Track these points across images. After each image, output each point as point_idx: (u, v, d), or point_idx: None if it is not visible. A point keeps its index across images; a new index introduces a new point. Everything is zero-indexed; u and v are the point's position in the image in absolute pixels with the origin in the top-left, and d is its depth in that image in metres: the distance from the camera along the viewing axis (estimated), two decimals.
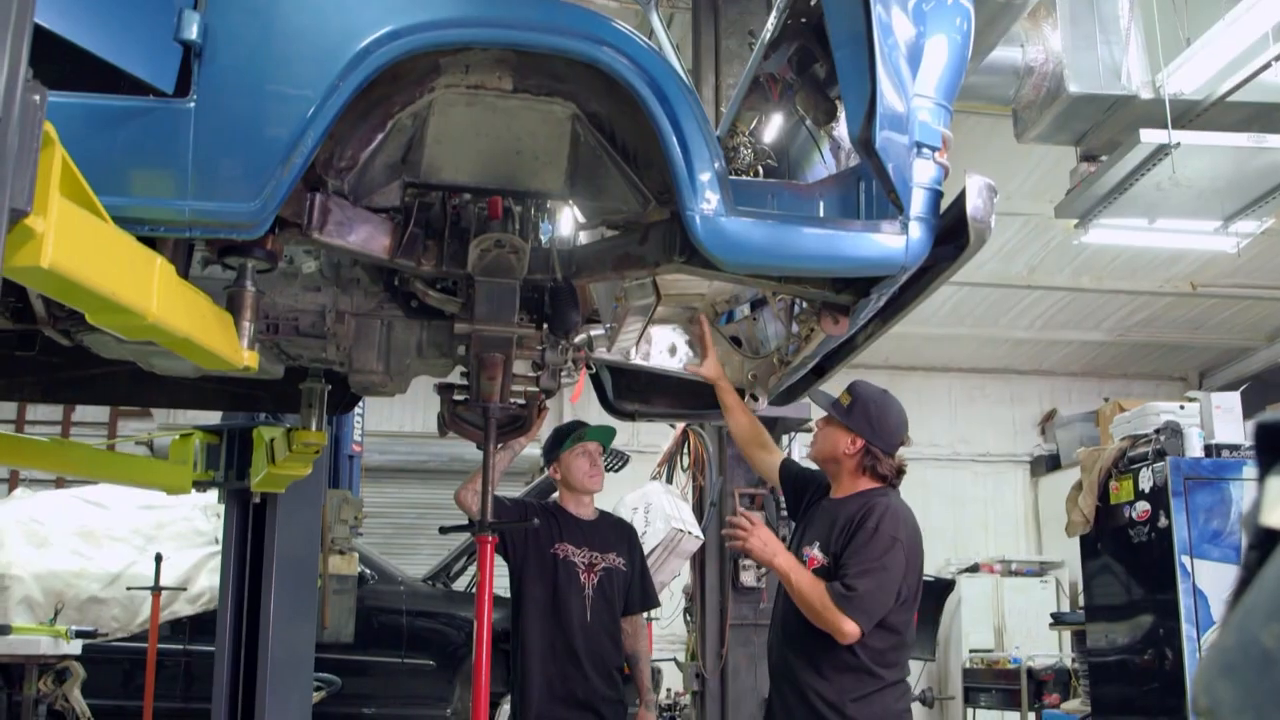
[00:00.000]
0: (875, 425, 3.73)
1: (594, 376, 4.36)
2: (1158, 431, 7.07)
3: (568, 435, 4.67)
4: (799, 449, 7.71)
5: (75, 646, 6.67)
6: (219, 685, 5.29)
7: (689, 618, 7.83)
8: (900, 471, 3.82)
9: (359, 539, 7.37)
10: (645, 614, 4.91)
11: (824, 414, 3.87)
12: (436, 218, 3.02)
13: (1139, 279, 12.45)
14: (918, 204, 2.80)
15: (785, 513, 7.09)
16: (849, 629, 3.48)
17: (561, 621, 4.44)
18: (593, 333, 3.91)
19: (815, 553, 3.69)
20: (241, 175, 2.32)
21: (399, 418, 12.97)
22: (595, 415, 4.83)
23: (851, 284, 3.04)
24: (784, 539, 6.83)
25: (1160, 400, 8.16)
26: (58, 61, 2.13)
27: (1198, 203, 7.70)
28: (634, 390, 4.41)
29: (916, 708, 10.51)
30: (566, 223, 3.42)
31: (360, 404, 6.80)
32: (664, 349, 4.12)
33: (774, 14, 3.27)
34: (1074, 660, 9.60)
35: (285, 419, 4.85)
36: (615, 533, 4.77)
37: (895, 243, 2.78)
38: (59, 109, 1.78)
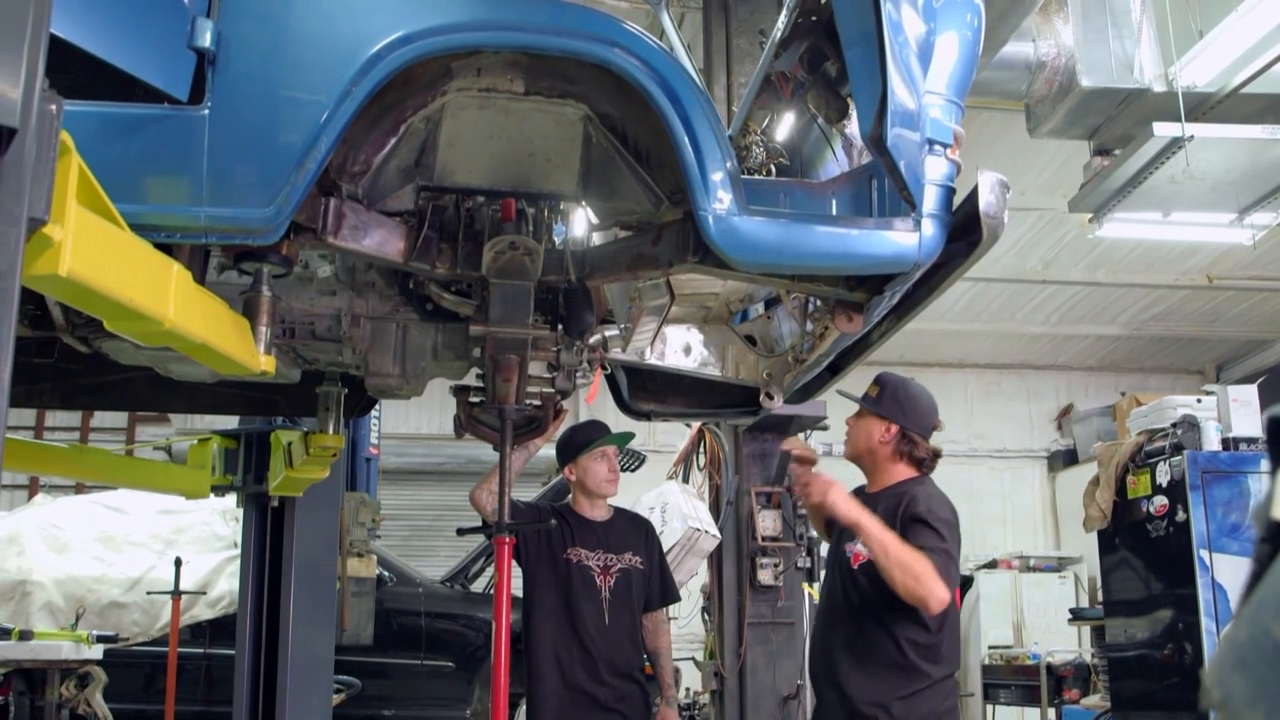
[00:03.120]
0: (906, 408, 3.81)
1: (609, 377, 4.36)
2: (1175, 425, 7.05)
3: (586, 438, 4.67)
4: (817, 444, 7.72)
5: (97, 651, 6.70)
6: (240, 688, 5.31)
7: (707, 617, 7.84)
8: (936, 455, 3.88)
9: (377, 541, 7.41)
10: (666, 610, 4.88)
11: (853, 412, 3.93)
12: (450, 221, 3.03)
13: (1154, 272, 12.41)
14: (930, 201, 2.80)
15: (801, 511, 7.12)
16: (943, 594, 3.39)
17: (577, 627, 4.43)
18: (607, 333, 3.91)
19: (859, 548, 3.67)
20: (256, 181, 2.33)
21: (415, 420, 13.01)
22: (611, 416, 4.83)
23: (865, 281, 3.04)
24: (801, 536, 6.86)
25: (1177, 394, 8.14)
26: (73, 71, 2.15)
27: (1212, 195, 7.68)
28: (649, 390, 4.41)
29: None
30: (580, 224, 3.43)
31: (377, 407, 6.82)
32: (679, 349, 4.11)
33: (784, 13, 3.27)
34: (1093, 655, 9.57)
35: (302, 423, 4.87)
36: (631, 531, 4.73)
37: (908, 240, 2.78)
38: (75, 118, 1.80)
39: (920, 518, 3.57)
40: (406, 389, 3.58)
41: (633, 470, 9.02)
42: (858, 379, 3.90)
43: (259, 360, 2.62)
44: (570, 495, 4.86)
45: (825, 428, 7.40)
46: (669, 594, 4.82)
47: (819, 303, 3.42)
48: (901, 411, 3.81)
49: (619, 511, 4.81)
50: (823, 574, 3.92)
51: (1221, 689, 0.75)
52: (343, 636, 6.40)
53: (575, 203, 3.22)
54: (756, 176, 3.48)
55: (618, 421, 4.81)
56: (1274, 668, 0.73)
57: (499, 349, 3.25)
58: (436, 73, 2.62)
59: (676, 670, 9.08)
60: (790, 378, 3.94)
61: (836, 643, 3.72)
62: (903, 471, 3.82)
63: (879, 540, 3.44)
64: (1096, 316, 13.71)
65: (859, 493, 3.88)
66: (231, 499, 6.03)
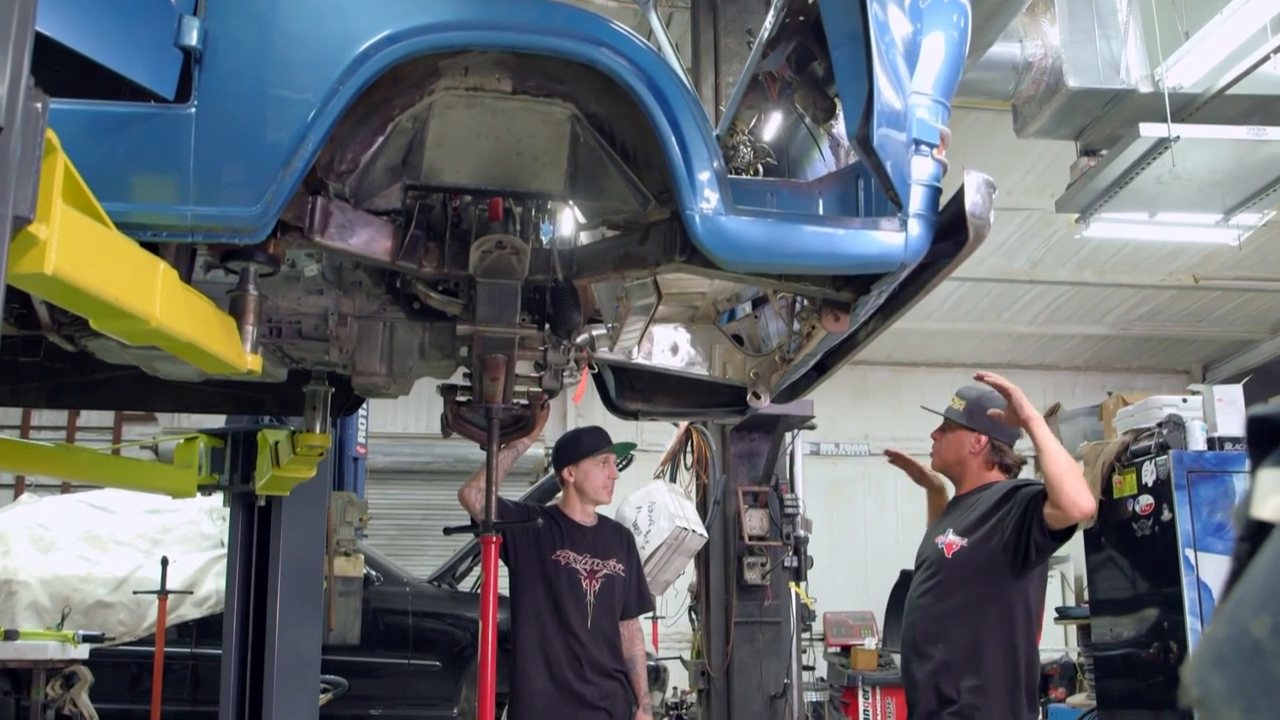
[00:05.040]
0: (994, 419, 3.97)
1: (596, 376, 4.37)
2: (1160, 425, 7.07)
3: (592, 444, 4.73)
4: (802, 445, 7.73)
5: (82, 651, 6.68)
6: (226, 688, 5.30)
7: (694, 616, 7.85)
8: (1022, 463, 4.15)
9: (364, 541, 7.39)
10: (641, 616, 4.96)
11: (938, 426, 4.18)
12: (437, 220, 3.03)
13: (1141, 273, 12.46)
14: (916, 201, 2.80)
15: (788, 510, 7.14)
16: (1089, 504, 3.65)
17: (563, 628, 4.49)
18: (594, 332, 3.91)
19: (952, 537, 3.91)
20: (243, 180, 2.32)
21: (402, 419, 13.00)
22: (599, 415, 4.86)
23: (852, 281, 3.04)
24: (788, 535, 6.87)
25: (1163, 393, 8.15)
26: (59, 68, 2.14)
27: (1198, 196, 7.71)
28: (637, 389, 4.42)
29: None
30: (567, 223, 3.43)
31: (364, 406, 6.81)
32: (666, 348, 4.12)
33: (772, 12, 3.27)
34: (1079, 654, 9.61)
35: (289, 422, 4.86)
36: (615, 538, 4.83)
37: (894, 240, 2.78)
38: (61, 116, 1.79)
39: (1028, 481, 3.91)
40: (393, 388, 3.58)
41: (621, 469, 9.05)
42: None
43: (245, 359, 2.62)
44: (560, 496, 4.89)
45: (812, 427, 7.41)
46: (644, 603, 4.93)
47: (806, 302, 3.42)
48: (990, 422, 3.99)
49: (603, 519, 4.90)
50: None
51: (1200, 686, 0.76)
52: (330, 636, 6.39)
53: (562, 202, 3.22)
54: (743, 176, 3.48)
55: (605, 421, 4.84)
56: (1252, 665, 0.73)
57: (486, 348, 3.25)
58: (424, 71, 2.62)
59: (664, 670, 9.12)
60: (777, 377, 3.94)
61: (929, 632, 3.87)
62: (995, 477, 4.05)
63: (1055, 446, 3.67)
64: (1083, 316, 13.76)
65: (951, 501, 4.16)
66: (218, 498, 6.03)
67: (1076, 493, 3.59)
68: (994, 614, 3.77)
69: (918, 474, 4.47)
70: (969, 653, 3.75)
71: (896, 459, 4.45)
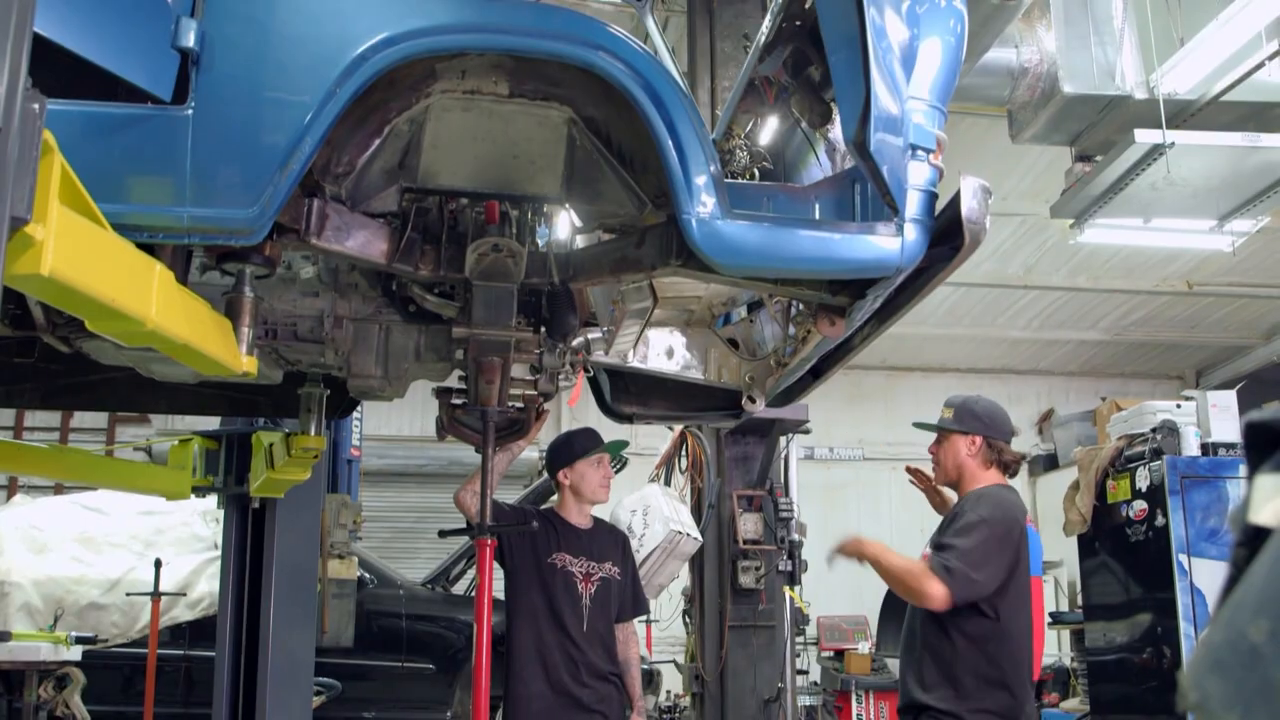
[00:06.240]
0: (986, 419, 4.07)
1: (592, 379, 4.37)
2: (1154, 430, 7.08)
3: (585, 446, 4.74)
4: (797, 449, 7.73)
5: (75, 653, 6.66)
6: (219, 690, 5.29)
7: (688, 620, 7.85)
8: (1021, 458, 4.23)
9: (358, 543, 7.39)
10: (636, 619, 4.97)
11: (933, 440, 4.18)
12: (434, 223, 3.03)
13: (1135, 278, 12.47)
14: (913, 206, 2.80)
15: (783, 514, 7.14)
16: (934, 590, 3.69)
17: (560, 630, 4.49)
18: (590, 336, 3.91)
19: (927, 549, 4.00)
20: (239, 182, 2.32)
21: (397, 422, 12.99)
22: (594, 419, 4.86)
23: (847, 286, 3.05)
24: (782, 539, 6.88)
25: (1157, 399, 8.17)
26: (56, 69, 2.14)
27: (1193, 202, 7.72)
28: (632, 393, 4.42)
29: None
30: (563, 227, 3.43)
31: (358, 408, 6.80)
32: (661, 351, 4.12)
33: (768, 17, 3.28)
34: (1073, 659, 9.61)
35: (284, 424, 4.86)
36: (610, 541, 4.83)
37: (890, 244, 2.79)
38: (58, 117, 1.79)
39: (955, 517, 3.92)
40: (389, 390, 3.58)
41: (616, 472, 9.04)
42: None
43: (241, 361, 2.61)
44: (556, 499, 4.89)
45: (807, 431, 7.42)
46: (639, 606, 4.95)
47: (801, 306, 3.43)
48: (981, 423, 4.06)
49: (599, 521, 4.91)
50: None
51: (1198, 691, 0.76)
52: (323, 638, 6.38)
53: (559, 205, 3.22)
54: (740, 180, 3.49)
55: (600, 424, 4.84)
56: (1250, 670, 0.73)
57: (482, 351, 3.25)
58: (421, 74, 2.62)
59: (657, 674, 9.12)
60: (772, 381, 3.95)
61: (910, 644, 3.97)
62: (993, 478, 4.06)
63: (876, 563, 3.84)
64: (1077, 322, 13.77)
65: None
66: (212, 500, 6.03)
67: (915, 593, 3.74)
68: (967, 628, 3.81)
69: (937, 502, 4.40)
70: (946, 665, 3.79)
71: (917, 477, 4.46)
